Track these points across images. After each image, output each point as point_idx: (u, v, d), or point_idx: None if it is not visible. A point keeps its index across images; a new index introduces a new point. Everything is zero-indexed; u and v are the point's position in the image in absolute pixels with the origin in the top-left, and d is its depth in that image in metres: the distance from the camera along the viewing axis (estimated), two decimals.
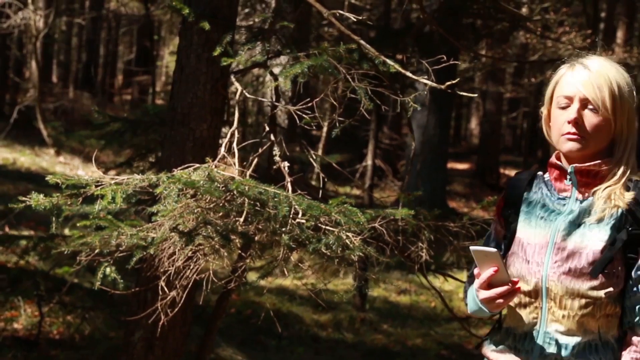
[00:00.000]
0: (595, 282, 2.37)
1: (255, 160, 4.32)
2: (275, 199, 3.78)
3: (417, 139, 13.70)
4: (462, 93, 3.96)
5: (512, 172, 23.51)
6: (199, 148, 4.40)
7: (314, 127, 4.34)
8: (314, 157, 4.50)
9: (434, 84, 4.13)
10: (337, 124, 4.21)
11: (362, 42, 4.20)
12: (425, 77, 4.18)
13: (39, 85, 16.92)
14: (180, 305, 3.95)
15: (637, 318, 2.40)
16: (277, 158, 4.33)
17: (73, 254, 4.25)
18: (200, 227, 3.72)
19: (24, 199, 3.71)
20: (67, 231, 8.41)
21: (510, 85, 21.57)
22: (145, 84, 26.23)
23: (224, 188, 3.77)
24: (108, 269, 6.48)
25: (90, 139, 12.12)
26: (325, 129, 15.03)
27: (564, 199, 2.50)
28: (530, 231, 2.51)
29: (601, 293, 2.37)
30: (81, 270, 6.87)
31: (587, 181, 2.46)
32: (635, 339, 2.41)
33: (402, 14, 16.05)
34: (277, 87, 4.63)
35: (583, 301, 2.38)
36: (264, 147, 4.40)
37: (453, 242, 4.38)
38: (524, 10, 15.08)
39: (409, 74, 4.23)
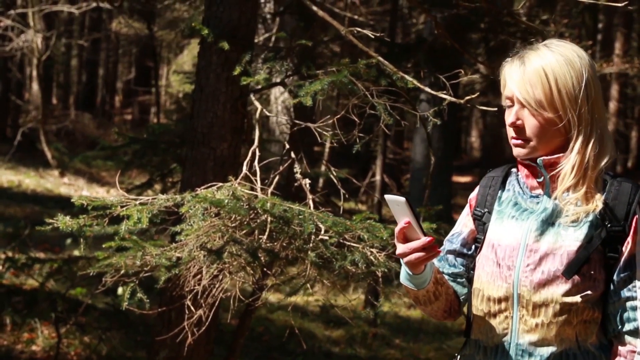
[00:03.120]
0: (569, 286, 2.15)
1: (276, 178, 4.35)
2: (300, 217, 3.81)
3: (421, 152, 13.73)
4: (481, 107, 3.99)
5: None
6: (219, 167, 4.43)
7: (332, 143, 4.37)
8: (334, 173, 4.52)
9: (453, 99, 4.16)
10: (357, 140, 4.24)
11: (380, 58, 4.23)
12: (444, 92, 4.22)
13: (42, 108, 16.96)
14: (207, 323, 3.97)
15: (622, 326, 2.18)
16: (298, 175, 4.36)
17: (88, 274, 4.27)
18: (228, 245, 3.74)
19: (50, 220, 3.73)
20: (76, 252, 8.45)
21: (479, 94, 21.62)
22: (147, 104, 26.30)
23: (247, 206, 3.80)
24: (121, 290, 6.50)
25: (96, 159, 12.14)
26: (328, 144, 15.06)
27: (537, 196, 2.29)
28: (501, 232, 2.30)
29: (577, 298, 2.15)
30: (93, 291, 6.89)
31: (554, 176, 2.24)
32: (622, 349, 2.19)
33: (403, 29, 16.13)
34: (295, 104, 4.66)
35: (558, 307, 2.16)
36: (285, 165, 4.43)
37: None
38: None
39: (427, 89, 4.27)
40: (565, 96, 2.17)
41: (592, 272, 2.17)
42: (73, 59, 28.36)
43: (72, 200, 3.82)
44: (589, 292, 2.16)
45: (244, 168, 4.18)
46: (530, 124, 2.21)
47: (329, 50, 13.98)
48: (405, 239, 2.19)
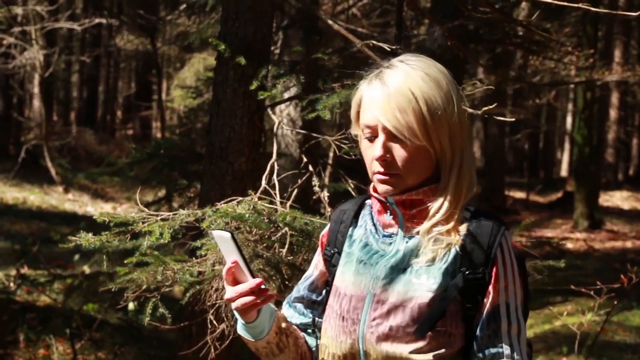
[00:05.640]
0: (421, 343, 1.84)
1: (295, 191, 4.37)
2: (321, 230, 3.82)
3: None
4: (499, 118, 4.01)
5: (516, 194, 23.15)
6: (238, 181, 4.44)
7: (351, 155, 4.38)
8: (352, 185, 4.53)
9: (470, 110, 4.18)
10: None
11: None
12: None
13: (45, 125, 17.01)
14: (230, 338, 3.98)
15: None
16: (316, 188, 4.37)
17: (100, 290, 4.27)
18: (251, 259, 3.76)
19: (73, 238, 3.74)
20: (86, 267, 8.45)
21: (510, 106, 21.74)
22: (148, 119, 26.36)
23: (267, 220, 3.82)
24: (132, 305, 6.47)
25: (103, 175, 12.23)
26: (331, 155, 15.09)
27: (390, 236, 1.96)
28: (348, 278, 1.98)
29: (429, 356, 1.84)
30: (106, 307, 6.90)
31: (413, 214, 1.93)
32: None
33: (405, 39, 16.13)
34: (308, 118, 4.68)
35: None
36: (304, 178, 4.45)
37: None
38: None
39: None
40: (438, 121, 1.87)
41: (448, 327, 1.86)
42: (73, 75, 28.46)
43: (94, 217, 3.84)
44: (443, 350, 1.86)
45: (263, 182, 4.20)
46: (401, 156, 1.88)
47: (331, 62, 14.04)
48: (235, 281, 1.90)
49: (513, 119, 3.87)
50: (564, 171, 30.25)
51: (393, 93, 1.86)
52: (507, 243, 1.90)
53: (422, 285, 1.87)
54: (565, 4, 4.26)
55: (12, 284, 7.43)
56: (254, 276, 1.88)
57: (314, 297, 2.12)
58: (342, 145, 4.27)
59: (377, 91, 1.89)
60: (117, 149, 22.51)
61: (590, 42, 16.98)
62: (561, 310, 7.62)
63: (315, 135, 4.47)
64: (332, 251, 2.06)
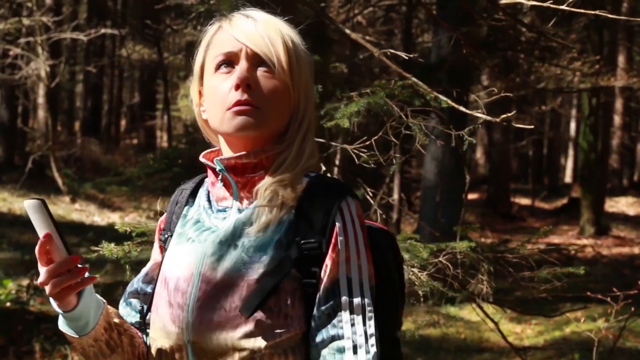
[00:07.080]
0: (251, 327, 1.59)
1: None
2: None
3: (432, 171, 13.78)
4: (518, 125, 4.03)
5: (522, 201, 23.12)
6: None
7: (370, 164, 4.40)
8: (370, 193, 4.55)
9: (488, 117, 4.20)
10: (394, 161, 4.28)
11: (414, 79, 4.28)
12: (479, 110, 4.26)
13: (52, 135, 17.05)
14: None
15: None
16: None
17: (118, 300, 4.27)
18: None
19: (96, 248, 3.75)
20: (98, 278, 8.47)
21: (515, 113, 21.78)
22: (153, 128, 26.40)
23: None
24: None
25: (111, 185, 12.22)
26: (338, 163, 15.12)
27: (224, 210, 1.73)
28: (175, 260, 1.73)
29: (260, 341, 1.59)
30: None
31: (247, 181, 1.71)
32: None
33: (408, 47, 16.19)
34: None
35: (237, 356, 1.60)
36: None
37: (513, 273, 4.40)
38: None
39: (462, 108, 4.30)
40: (300, 65, 1.72)
41: (283, 307, 1.61)
42: (78, 84, 28.52)
43: (115, 227, 3.85)
44: (279, 331, 1.61)
45: None
46: (266, 86, 1.67)
47: (340, 70, 14.08)
48: (50, 261, 1.62)
49: (532, 126, 3.87)
50: (568, 177, 30.27)
51: (261, 23, 1.70)
52: (350, 210, 1.65)
53: (252, 259, 1.63)
54: (580, 10, 4.29)
55: (25, 295, 7.44)
56: (70, 253, 1.62)
57: (149, 289, 1.84)
58: (361, 154, 4.28)
59: (241, 21, 1.71)
60: (122, 158, 22.56)
61: (594, 49, 17.00)
62: (572, 317, 7.62)
63: (333, 144, 4.48)
64: (166, 235, 1.82)
